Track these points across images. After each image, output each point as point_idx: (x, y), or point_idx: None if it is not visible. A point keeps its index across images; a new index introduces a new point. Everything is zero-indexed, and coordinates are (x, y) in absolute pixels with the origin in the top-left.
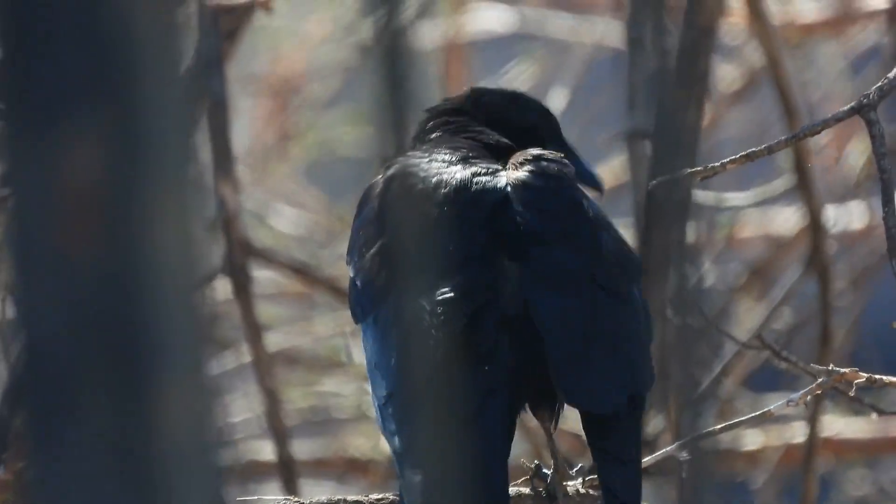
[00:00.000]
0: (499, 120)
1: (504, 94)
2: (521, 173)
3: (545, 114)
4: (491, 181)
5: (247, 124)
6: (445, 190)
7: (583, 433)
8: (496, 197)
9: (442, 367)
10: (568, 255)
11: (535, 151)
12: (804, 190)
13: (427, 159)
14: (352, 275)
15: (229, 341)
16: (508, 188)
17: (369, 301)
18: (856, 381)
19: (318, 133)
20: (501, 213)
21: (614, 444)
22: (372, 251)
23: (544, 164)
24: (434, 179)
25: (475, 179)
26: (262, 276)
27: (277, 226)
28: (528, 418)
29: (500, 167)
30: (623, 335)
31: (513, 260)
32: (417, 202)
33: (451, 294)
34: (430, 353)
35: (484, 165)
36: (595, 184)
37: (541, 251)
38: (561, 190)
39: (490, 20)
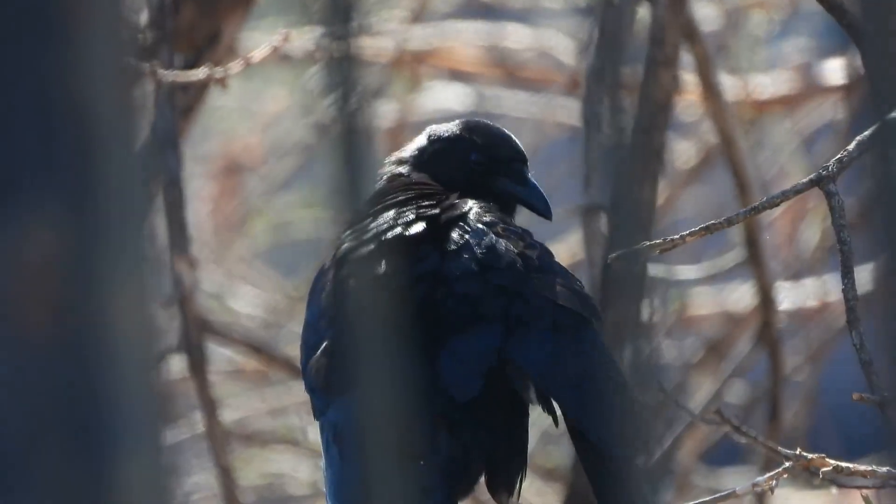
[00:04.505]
0: (445, 164)
1: (449, 139)
2: (455, 240)
3: (490, 146)
4: (427, 260)
5: (202, 203)
6: (382, 280)
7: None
8: (430, 276)
9: (378, 477)
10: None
11: (469, 209)
12: (756, 265)
13: (369, 237)
14: (303, 377)
15: (184, 418)
16: (442, 261)
17: (318, 404)
18: (822, 469)
19: (274, 215)
20: (435, 297)
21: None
22: (316, 354)
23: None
24: (372, 267)
25: (413, 264)
26: (217, 353)
27: (232, 305)
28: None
29: (436, 235)
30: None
31: (449, 340)
32: (354, 296)
33: (385, 401)
34: (366, 465)
35: (422, 239)
36: (542, 211)
37: (487, 327)
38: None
39: (447, 99)
